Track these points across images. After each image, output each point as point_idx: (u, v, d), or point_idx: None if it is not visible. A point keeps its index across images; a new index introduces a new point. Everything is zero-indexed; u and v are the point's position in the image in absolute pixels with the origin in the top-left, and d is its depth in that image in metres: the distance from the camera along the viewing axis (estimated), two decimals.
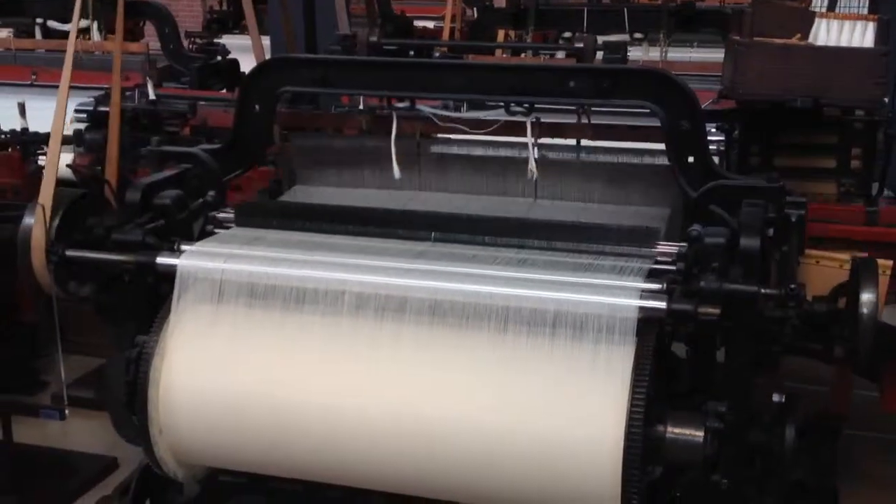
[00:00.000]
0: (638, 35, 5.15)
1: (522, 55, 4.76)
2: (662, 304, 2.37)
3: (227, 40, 8.56)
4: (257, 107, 3.04)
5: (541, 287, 2.45)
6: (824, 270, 2.80)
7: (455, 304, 2.49)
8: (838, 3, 5.43)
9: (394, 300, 2.52)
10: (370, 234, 2.79)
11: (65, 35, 6.26)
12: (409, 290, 2.52)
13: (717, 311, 2.34)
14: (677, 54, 5.37)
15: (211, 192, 2.95)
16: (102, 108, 4.80)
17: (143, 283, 2.73)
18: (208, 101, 5.27)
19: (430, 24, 9.38)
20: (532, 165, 2.97)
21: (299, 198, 3.22)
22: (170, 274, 2.66)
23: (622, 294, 2.40)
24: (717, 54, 5.82)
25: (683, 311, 2.36)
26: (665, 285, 2.43)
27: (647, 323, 2.39)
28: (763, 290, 2.34)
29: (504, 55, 5.48)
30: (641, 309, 2.37)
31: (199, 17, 10.64)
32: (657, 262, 2.60)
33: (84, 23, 5.82)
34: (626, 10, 5.07)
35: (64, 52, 6.13)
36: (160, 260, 2.67)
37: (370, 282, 2.55)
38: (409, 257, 2.63)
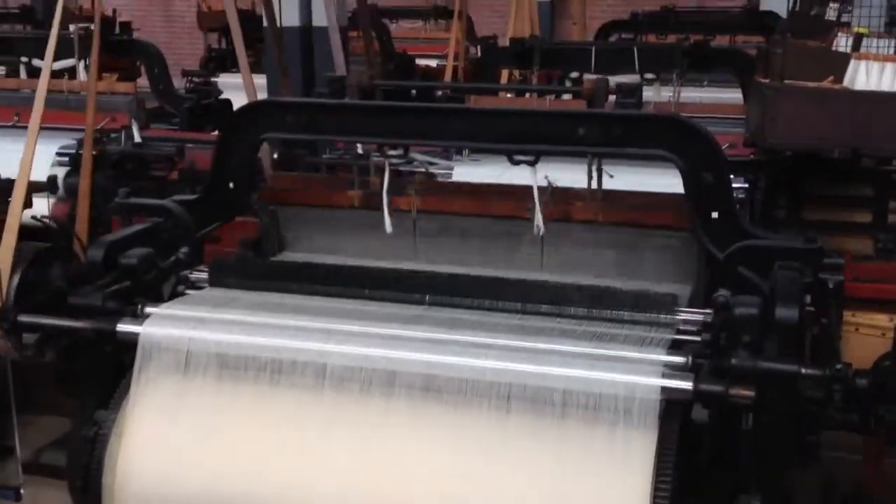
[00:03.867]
0: (649, 75, 4.90)
1: (527, 95, 4.50)
2: (688, 385, 2.07)
3: (225, 79, 8.34)
4: (237, 154, 2.77)
5: (549, 360, 2.16)
6: (865, 339, 2.50)
7: (451, 380, 2.19)
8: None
9: (382, 375, 2.23)
10: (358, 296, 2.50)
11: (54, 75, 6.02)
12: (400, 364, 2.23)
13: (750, 393, 2.04)
14: (688, 94, 5.11)
15: (184, 249, 2.67)
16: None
17: (104, 352, 2.44)
18: (198, 143, 5.00)
19: (433, 63, 9.19)
20: (538, 220, 2.68)
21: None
22: (132, 342, 2.37)
23: (642, 370, 2.10)
24: (728, 94, 5.57)
25: (713, 393, 2.06)
26: (690, 359, 2.13)
27: (671, 405, 2.09)
28: (804, 370, 2.04)
29: (508, 96, 5.23)
30: (665, 389, 2.07)
31: (201, 54, 10.44)
32: (679, 332, 2.31)
33: (71, 61, 5.58)
34: (636, 49, 4.82)
35: (50, 92, 5.92)
36: (121, 327, 2.38)
37: (355, 353, 2.26)
38: (401, 324, 2.34)
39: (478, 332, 2.30)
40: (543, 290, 2.42)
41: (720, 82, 5.95)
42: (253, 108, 2.76)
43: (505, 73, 6.75)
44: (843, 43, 4.06)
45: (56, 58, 6.19)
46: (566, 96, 4.86)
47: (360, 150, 3.54)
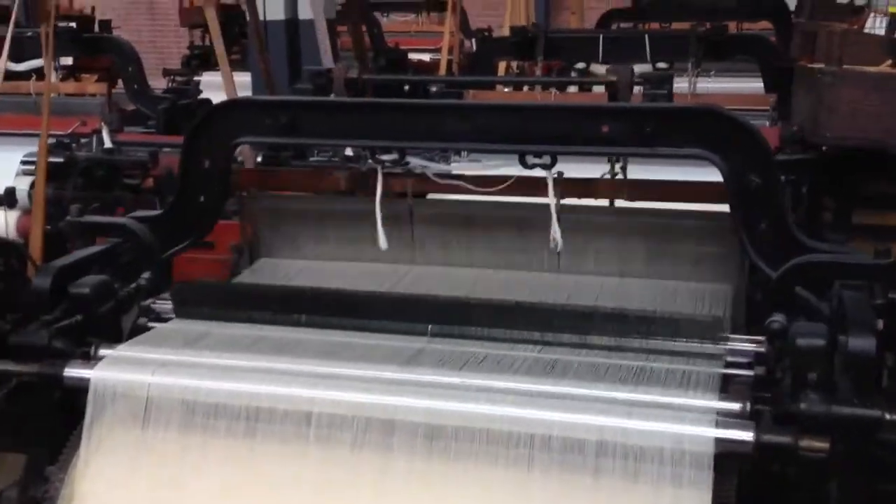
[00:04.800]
0: (661, 65, 4.52)
1: (525, 88, 4.12)
2: (748, 435, 1.71)
3: (209, 78, 7.96)
4: (207, 162, 2.40)
5: (578, 405, 1.81)
6: None
7: (461, 431, 1.84)
8: None
9: (378, 424, 1.88)
10: (348, 327, 2.14)
11: (22, 77, 5.65)
12: (400, 411, 1.87)
13: (824, 444, 1.69)
14: (703, 85, 4.75)
15: (146, 275, 2.30)
16: (54, 159, 4.19)
17: (51, 400, 2.08)
18: (175, 148, 4.62)
19: (426, 57, 8.82)
20: (555, 232, 2.32)
21: (263, 274, 2.58)
22: (83, 388, 2.01)
23: (692, 418, 1.75)
24: (742, 84, 5.20)
25: (779, 446, 1.70)
26: (748, 405, 1.78)
27: (726, 459, 1.74)
28: (888, 416, 1.69)
29: (505, 90, 4.86)
30: (720, 441, 1.72)
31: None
32: (728, 365, 1.96)
33: (39, 62, 5.21)
34: (647, 36, 4.44)
35: (21, 95, 5.54)
36: (69, 371, 2.02)
37: (346, 400, 1.90)
38: (399, 363, 1.99)
39: (491, 369, 1.95)
40: (566, 316, 2.05)
41: (732, 72, 5.58)
42: (224, 108, 2.39)
43: (501, 67, 6.39)
44: (876, 24, 3.70)
45: (27, 58, 5.87)
46: (572, 89, 4.51)
47: (349, 152, 3.19)
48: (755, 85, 5.06)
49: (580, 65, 4.81)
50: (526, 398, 1.84)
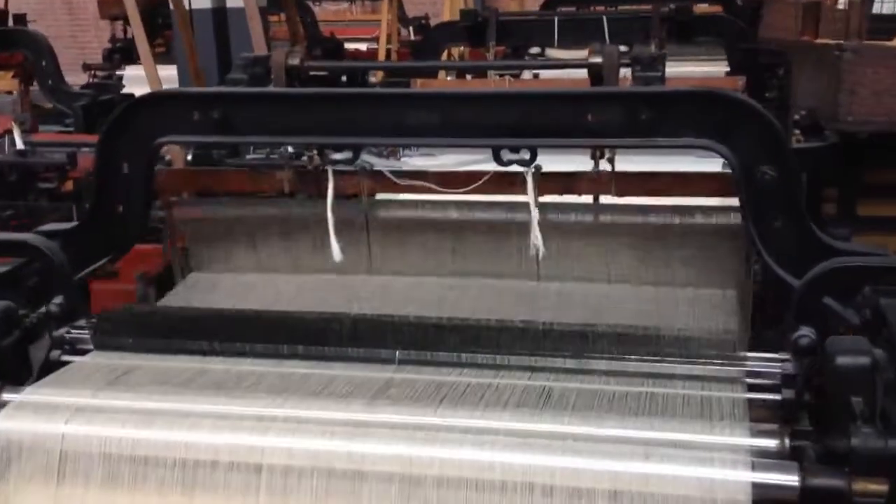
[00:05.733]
0: (622, 48, 4.23)
1: (496, 77, 3.82)
2: (793, 479, 1.43)
3: (132, 72, 7.51)
4: (126, 166, 2.05)
5: (586, 448, 1.51)
6: None
7: (445, 481, 1.53)
8: None
9: (343, 476, 1.56)
10: (302, 356, 1.82)
11: None
12: (368, 459, 1.56)
13: (882, 487, 1.41)
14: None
15: (57, 300, 1.95)
16: None
17: None
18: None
19: (363, 47, 8.47)
20: (535, 236, 2.02)
21: (196, 291, 2.24)
22: None
23: (723, 459, 1.46)
24: (705, 67, 4.96)
25: (829, 490, 1.42)
26: (787, 442, 1.50)
27: None
28: None
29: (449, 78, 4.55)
30: (758, 486, 1.43)
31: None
32: (750, 389, 1.68)
33: None
34: (604, 18, 4.17)
35: None
36: None
37: (304, 447, 1.58)
38: (365, 399, 1.67)
39: (474, 403, 1.64)
40: (559, 335, 1.75)
41: (685, 55, 5.34)
42: (144, 103, 2.04)
43: (445, 55, 6.07)
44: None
45: None
46: (527, 75, 4.22)
47: (290, 149, 2.85)
48: (711, 69, 4.83)
49: (534, 49, 4.52)
50: (521, 439, 1.54)
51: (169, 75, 6.02)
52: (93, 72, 7.66)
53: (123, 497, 1.63)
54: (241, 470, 1.59)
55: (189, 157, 4.03)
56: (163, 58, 6.64)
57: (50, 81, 4.99)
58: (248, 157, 3.82)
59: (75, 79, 7.31)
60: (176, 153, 3.94)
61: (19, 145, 3.93)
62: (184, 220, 2.30)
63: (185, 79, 5.51)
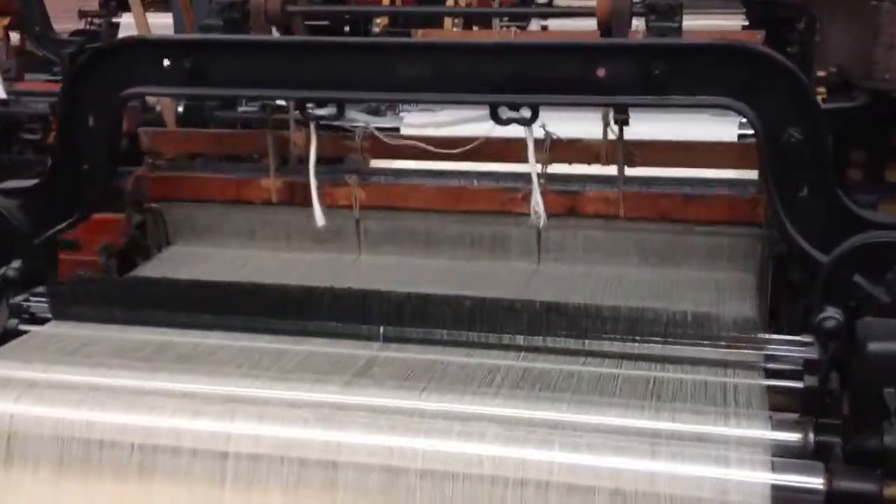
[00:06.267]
0: None
1: (501, 28, 3.63)
2: (818, 482, 1.28)
3: (129, 19, 7.27)
4: (91, 119, 1.88)
5: (583, 440, 1.36)
6: None
7: (428, 475, 1.38)
8: None
9: (317, 466, 1.41)
10: (277, 331, 1.66)
11: None
12: (345, 449, 1.41)
13: None
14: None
15: (16, 264, 1.80)
16: None
17: None
18: None
19: None
20: (536, 202, 1.85)
21: (171, 264, 2.08)
22: None
23: (739, 458, 1.31)
24: (721, 21, 4.74)
25: (858, 495, 1.27)
26: (812, 438, 1.34)
27: None
28: None
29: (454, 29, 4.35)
30: (778, 489, 1.28)
31: None
32: (768, 376, 1.52)
33: None
34: None
35: None
36: None
37: (275, 434, 1.43)
38: (344, 380, 1.52)
39: (463, 387, 1.49)
40: (561, 315, 1.59)
41: (702, 9, 5.11)
42: (111, 50, 1.86)
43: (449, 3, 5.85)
44: None
45: None
46: (535, 25, 4.01)
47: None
48: (727, 23, 4.61)
49: None
50: (514, 429, 1.39)
51: (164, 23, 5.81)
52: (89, 19, 7.43)
53: (75, 483, 1.49)
54: (205, 457, 1.45)
55: (180, 109, 3.85)
56: (160, 6, 6.41)
57: (37, 28, 4.80)
58: (241, 108, 3.63)
59: (72, 26, 7.10)
60: (166, 105, 3.78)
61: (1, 94, 3.77)
62: (161, 189, 2.14)
63: (181, 28, 5.30)
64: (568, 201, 2.03)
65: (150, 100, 4.04)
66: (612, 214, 2.01)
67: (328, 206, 1.99)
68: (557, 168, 1.96)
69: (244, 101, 3.74)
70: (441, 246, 2.05)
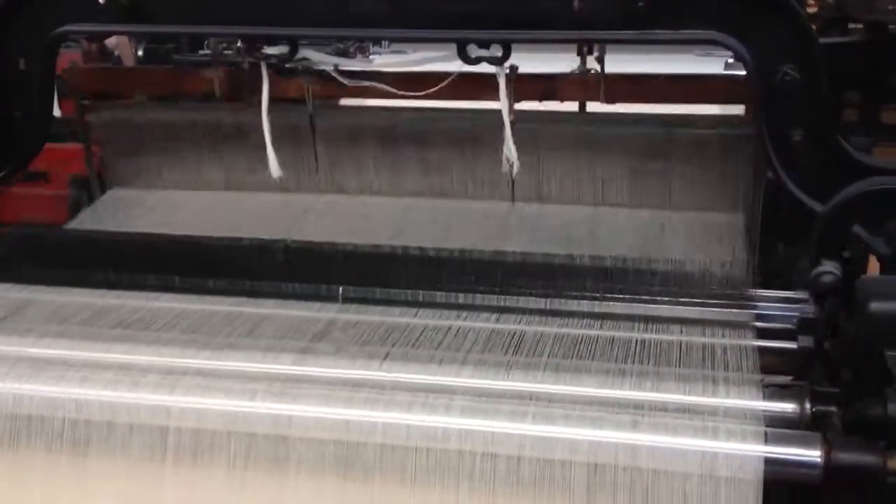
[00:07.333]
0: None
1: None
2: (815, 454, 1.16)
3: None
4: (22, 62, 1.71)
5: (561, 413, 1.23)
6: None
7: (389, 451, 1.26)
8: None
9: (266, 443, 1.29)
10: (225, 291, 1.53)
11: None
12: (297, 424, 1.28)
13: None
14: None
15: None
16: None
17: None
18: None
19: None
20: (508, 148, 1.71)
21: (112, 212, 1.93)
22: None
23: (729, 429, 1.19)
24: None
25: (859, 468, 1.15)
26: (808, 407, 1.22)
27: (777, 487, 1.19)
28: None
29: None
30: (771, 462, 1.16)
31: None
32: (759, 336, 1.40)
33: None
34: None
35: None
36: None
37: (219, 408, 1.30)
38: (298, 346, 1.39)
39: (428, 353, 1.36)
40: (536, 270, 1.46)
41: None
42: None
43: None
44: None
45: None
46: None
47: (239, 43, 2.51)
48: None
49: None
50: (484, 400, 1.26)
51: None
52: None
53: (3, 462, 1.36)
54: (144, 432, 1.31)
55: (140, 53, 3.65)
56: None
57: None
58: (202, 52, 3.43)
59: None
60: (124, 46, 3.58)
61: None
62: (98, 126, 1.98)
63: None
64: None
65: (110, 43, 3.86)
66: None
67: None
68: (526, 105, 1.81)
69: (207, 43, 3.54)
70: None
